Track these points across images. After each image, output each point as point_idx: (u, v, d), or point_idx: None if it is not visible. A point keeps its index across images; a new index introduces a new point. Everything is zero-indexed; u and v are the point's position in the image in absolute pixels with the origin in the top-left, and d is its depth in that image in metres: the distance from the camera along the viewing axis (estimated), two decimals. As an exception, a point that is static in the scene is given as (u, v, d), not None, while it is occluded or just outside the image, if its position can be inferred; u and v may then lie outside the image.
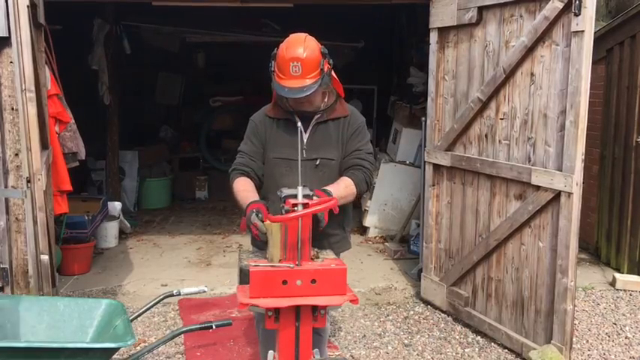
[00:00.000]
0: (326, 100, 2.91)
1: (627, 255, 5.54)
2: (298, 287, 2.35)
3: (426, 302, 4.82)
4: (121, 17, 7.54)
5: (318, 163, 2.89)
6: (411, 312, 4.71)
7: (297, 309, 2.39)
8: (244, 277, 2.50)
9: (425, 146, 4.83)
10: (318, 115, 2.90)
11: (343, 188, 2.79)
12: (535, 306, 3.84)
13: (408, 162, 6.60)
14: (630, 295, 5.04)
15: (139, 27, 8.12)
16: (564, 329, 3.59)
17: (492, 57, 4.07)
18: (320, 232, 2.59)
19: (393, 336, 4.27)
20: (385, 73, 9.25)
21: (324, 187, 2.71)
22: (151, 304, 3.38)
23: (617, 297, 5.00)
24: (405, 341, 4.19)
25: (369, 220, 6.80)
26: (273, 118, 2.96)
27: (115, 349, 2.97)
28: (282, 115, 2.94)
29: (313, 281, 2.35)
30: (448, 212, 4.58)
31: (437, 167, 4.64)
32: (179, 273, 5.68)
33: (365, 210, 6.82)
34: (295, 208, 2.36)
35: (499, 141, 4.05)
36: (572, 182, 3.46)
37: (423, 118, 5.66)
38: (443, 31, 4.51)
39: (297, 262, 2.38)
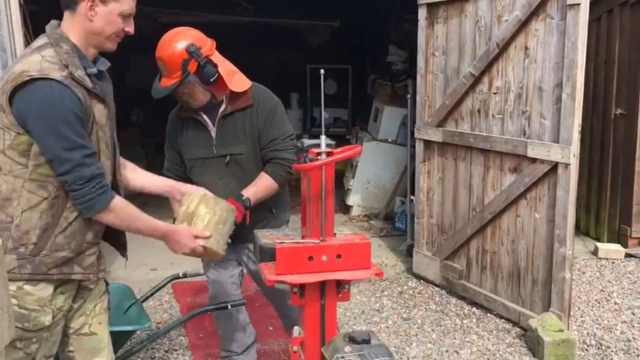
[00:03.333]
0: (209, 99, 2.72)
1: (607, 225, 5.72)
2: (324, 263, 2.34)
3: (419, 277, 4.89)
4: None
5: (227, 159, 2.79)
6: (405, 287, 4.77)
7: (322, 285, 2.38)
8: (265, 255, 2.48)
9: (411, 123, 4.87)
10: (222, 109, 2.77)
11: (263, 189, 2.74)
12: (532, 276, 3.94)
13: (390, 140, 6.63)
14: (612, 263, 5.21)
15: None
16: (563, 297, 3.70)
17: (484, 32, 4.10)
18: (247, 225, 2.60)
19: (391, 311, 4.32)
20: (360, 52, 9.25)
21: (241, 192, 2.69)
22: (158, 287, 3.34)
23: (601, 265, 5.16)
24: (404, 315, 4.25)
25: (352, 199, 6.83)
26: (182, 118, 2.84)
27: (132, 332, 2.94)
28: (189, 113, 2.80)
29: (338, 256, 2.35)
30: (440, 188, 4.63)
31: (427, 143, 4.68)
32: (168, 257, 5.47)
33: (348, 189, 6.85)
34: (319, 157, 2.30)
35: (492, 115, 4.10)
36: (570, 153, 3.54)
37: (409, 96, 5.71)
38: (432, 6, 4.52)
39: (321, 238, 2.37)
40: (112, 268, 5.28)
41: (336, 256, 2.35)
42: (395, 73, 6.85)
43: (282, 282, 2.31)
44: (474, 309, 4.33)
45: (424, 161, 4.72)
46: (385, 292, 4.65)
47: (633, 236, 5.45)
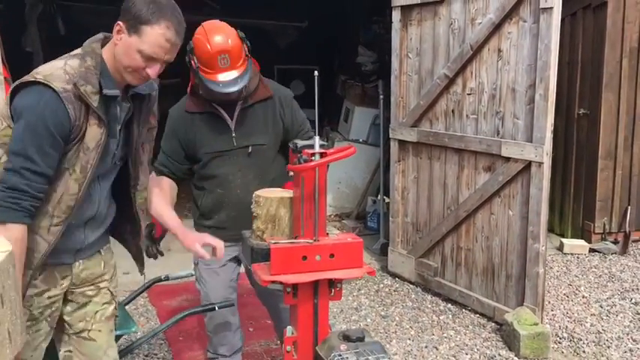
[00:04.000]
0: (247, 84, 2.71)
1: (571, 221, 5.91)
2: (317, 262, 2.36)
3: (394, 275, 4.96)
4: (54, -4, 7.15)
5: (250, 150, 2.80)
6: (381, 285, 4.83)
7: (315, 284, 2.41)
8: (256, 256, 2.49)
9: (383, 123, 4.93)
10: (241, 102, 2.76)
11: None
12: (506, 271, 4.05)
13: (361, 140, 6.70)
14: (578, 258, 5.40)
15: (72, 7, 7.73)
16: (537, 291, 3.81)
17: (458, 34, 4.19)
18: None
19: (369, 309, 4.38)
20: (327, 54, 9.28)
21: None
22: (140, 291, 3.31)
23: (567, 260, 5.34)
24: (382, 313, 4.31)
25: (324, 199, 6.85)
26: (193, 113, 2.79)
27: (119, 337, 2.90)
28: (202, 107, 2.77)
29: (331, 256, 2.38)
30: (415, 187, 4.71)
31: (402, 143, 4.75)
32: (139, 260, 5.52)
33: (319, 189, 6.87)
34: (313, 158, 2.32)
35: (466, 115, 4.20)
36: (543, 152, 3.66)
37: (381, 96, 5.78)
38: (405, 9, 4.59)
39: (314, 238, 2.40)
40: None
41: (329, 256, 2.38)
42: (365, 73, 6.92)
43: (277, 282, 2.32)
44: (450, 305, 4.42)
45: (399, 161, 4.80)
46: (362, 291, 4.70)
47: (596, 232, 5.66)
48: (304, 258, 2.35)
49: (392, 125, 4.81)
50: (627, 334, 3.90)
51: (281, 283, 2.32)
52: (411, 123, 4.61)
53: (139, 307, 4.49)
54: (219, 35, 2.58)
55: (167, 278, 3.36)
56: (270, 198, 2.42)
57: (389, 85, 4.86)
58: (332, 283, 2.45)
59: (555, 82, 3.63)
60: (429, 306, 4.44)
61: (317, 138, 2.35)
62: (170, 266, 5.27)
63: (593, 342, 3.83)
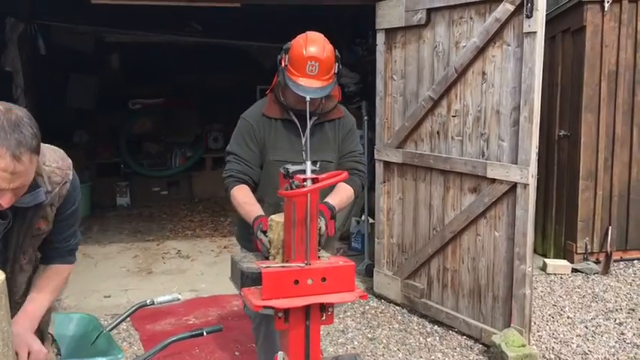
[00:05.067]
0: (323, 101, 2.88)
1: (553, 242, 5.97)
2: (309, 286, 2.34)
3: (380, 297, 4.93)
4: (35, 16, 7.08)
5: (317, 165, 2.85)
6: (367, 307, 4.80)
7: (306, 308, 2.38)
8: (246, 279, 2.46)
9: (367, 144, 4.94)
10: (316, 117, 2.88)
11: (346, 199, 2.82)
12: (492, 293, 4.05)
13: (344, 161, 6.69)
14: (561, 278, 5.43)
15: (51, 26, 7.66)
16: (524, 313, 3.82)
17: (442, 57, 4.24)
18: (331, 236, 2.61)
19: (356, 331, 4.34)
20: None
21: (326, 200, 2.72)
22: (125, 315, 3.21)
23: (550, 280, 5.37)
24: (369, 335, 4.28)
25: (307, 220, 6.82)
26: (271, 118, 2.88)
27: (104, 365, 2.82)
28: (281, 114, 2.87)
29: (323, 279, 2.36)
30: (400, 208, 4.72)
31: (387, 164, 4.76)
32: (120, 283, 5.44)
33: (302, 210, 6.84)
34: (305, 183, 2.32)
35: (452, 137, 4.23)
36: (528, 174, 3.70)
37: (365, 117, 5.80)
38: (390, 32, 4.63)
39: (306, 261, 2.37)
40: (61, 296, 5.09)
41: (321, 279, 2.36)
42: (348, 95, 6.95)
43: (269, 307, 2.29)
44: (436, 327, 4.40)
45: (384, 182, 4.80)
46: (348, 313, 4.67)
47: (578, 252, 5.70)
48: (296, 282, 2.32)
49: (377, 146, 4.82)
50: (613, 355, 3.92)
51: (272, 307, 2.29)
52: (396, 144, 4.63)
53: (122, 331, 4.40)
54: (316, 45, 2.70)
55: (152, 303, 3.28)
56: (281, 222, 2.39)
57: (373, 106, 4.89)
58: (323, 307, 2.42)
59: (539, 105, 3.68)
60: (416, 328, 4.42)
61: (308, 163, 2.34)
62: (155, 289, 5.21)
63: (580, 363, 3.84)
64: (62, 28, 7.99)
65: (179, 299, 3.37)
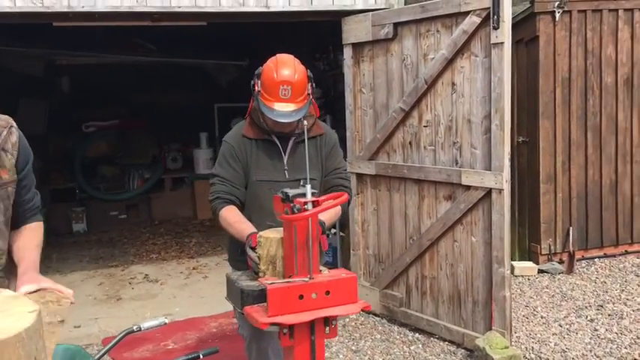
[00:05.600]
0: (302, 121, 2.86)
1: (518, 244, 6.13)
2: (313, 300, 2.34)
3: (358, 308, 4.94)
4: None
5: (302, 184, 2.87)
6: (347, 319, 4.81)
7: (311, 323, 2.38)
8: (247, 297, 2.45)
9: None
10: (295, 136, 2.89)
11: (334, 214, 2.82)
12: (472, 297, 4.14)
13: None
14: (528, 279, 5.59)
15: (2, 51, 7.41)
16: (505, 315, 3.92)
17: (411, 69, 4.33)
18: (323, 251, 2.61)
19: (339, 344, 4.34)
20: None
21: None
22: (114, 343, 3.09)
23: (519, 282, 5.52)
24: (353, 348, 4.29)
25: (275, 236, 6.80)
26: (251, 139, 2.89)
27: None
28: (261, 135, 2.89)
29: (327, 293, 2.36)
30: (375, 219, 4.77)
31: (360, 176, 4.81)
32: (90, 312, 5.26)
33: (270, 226, 6.82)
34: (305, 207, 2.33)
35: (424, 147, 4.32)
36: (502, 180, 3.81)
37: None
38: (357, 46, 4.71)
39: (309, 276, 2.38)
40: (30, 328, 4.88)
41: (325, 293, 2.36)
42: (311, 109, 6.98)
43: (276, 324, 2.28)
44: (417, 335, 4.45)
45: (357, 194, 4.84)
46: (328, 327, 4.66)
47: (543, 253, 5.89)
48: (301, 297, 2.32)
49: (349, 159, 4.86)
50: (590, 351, 4.06)
51: (279, 324, 2.28)
52: (368, 156, 4.69)
53: (98, 361, 4.24)
54: (287, 68, 2.72)
55: (139, 329, 3.18)
56: (270, 238, 2.41)
57: (336, 120, 4.95)
58: (327, 320, 2.42)
59: (510, 113, 3.81)
60: (398, 337, 4.45)
61: (308, 187, 2.37)
62: (127, 316, 5.07)
63: (560, 360, 3.96)
64: (11, 52, 7.75)
65: (166, 323, 3.27)
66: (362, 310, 4.78)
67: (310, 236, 2.35)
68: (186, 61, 8.34)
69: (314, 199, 2.36)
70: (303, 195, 2.35)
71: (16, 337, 1.13)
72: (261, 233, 2.49)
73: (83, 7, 4.05)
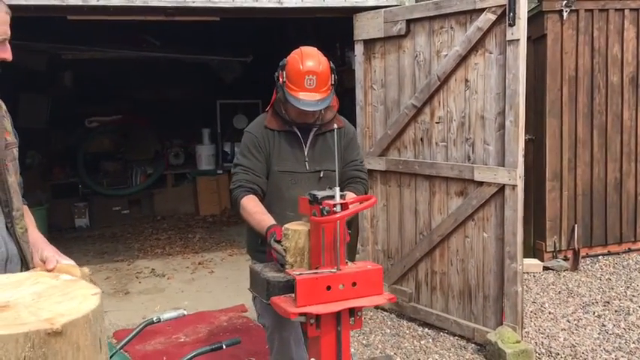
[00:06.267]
0: (323, 113, 2.96)
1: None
2: (340, 291, 2.36)
3: (367, 303, 4.97)
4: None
5: (322, 175, 2.94)
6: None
7: (337, 314, 2.40)
8: (273, 288, 2.47)
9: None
10: (317, 128, 2.96)
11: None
12: (483, 292, 4.17)
13: (316, 171, 6.73)
14: (534, 276, 5.63)
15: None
16: (516, 310, 3.95)
17: (424, 66, 4.36)
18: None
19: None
20: (269, 87, 9.34)
21: None
22: (135, 333, 3.11)
23: (525, 279, 5.53)
24: (364, 342, 4.31)
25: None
26: (273, 130, 2.95)
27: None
28: (282, 127, 2.95)
29: (354, 284, 2.39)
30: (384, 214, 4.79)
31: (370, 172, 4.80)
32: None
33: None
34: (334, 209, 2.36)
35: (436, 143, 4.35)
36: (517, 175, 3.84)
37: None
38: (368, 42, 4.73)
39: (337, 267, 2.40)
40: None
41: (352, 284, 2.39)
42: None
43: (305, 314, 2.30)
44: (427, 329, 4.49)
45: (368, 190, 4.86)
46: (338, 321, 4.69)
47: (548, 250, 5.94)
48: (328, 288, 2.35)
49: (359, 155, 4.88)
50: (599, 346, 4.10)
51: (309, 314, 2.30)
52: (379, 152, 4.71)
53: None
54: (312, 59, 2.78)
55: (159, 320, 3.20)
56: (299, 230, 2.43)
57: (344, 116, 4.95)
58: (352, 311, 2.45)
59: (524, 109, 3.84)
60: (407, 331, 4.48)
61: (337, 189, 2.39)
62: (136, 309, 5.07)
63: (571, 355, 3.99)
64: (15, 46, 7.71)
65: (185, 314, 3.30)
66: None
67: (338, 238, 2.39)
68: (189, 57, 8.34)
69: (342, 201, 2.39)
70: (332, 197, 2.38)
71: (83, 317, 1.15)
72: (287, 226, 2.52)
73: (98, 0, 4.06)
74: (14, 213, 1.97)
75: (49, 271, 1.82)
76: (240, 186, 2.89)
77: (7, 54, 1.90)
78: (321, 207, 2.37)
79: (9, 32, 1.88)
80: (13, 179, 2.02)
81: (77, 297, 1.23)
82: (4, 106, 2.08)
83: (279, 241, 2.55)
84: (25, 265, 2.01)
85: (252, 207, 2.84)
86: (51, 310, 1.15)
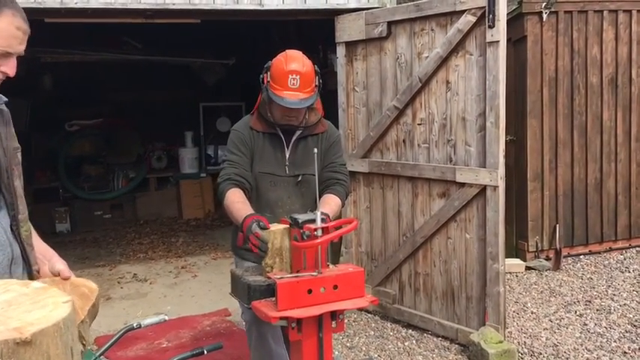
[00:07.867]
0: (307, 116, 2.99)
1: (505, 242, 6.20)
2: (322, 294, 2.36)
3: (350, 306, 4.97)
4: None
5: (300, 179, 2.97)
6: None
7: (319, 317, 2.39)
8: (254, 292, 2.46)
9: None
10: (300, 132, 2.98)
11: (336, 208, 2.91)
12: (466, 293, 4.18)
13: (299, 174, 6.72)
14: (516, 276, 5.67)
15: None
16: (499, 310, 3.97)
17: (405, 68, 4.37)
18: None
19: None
20: (252, 90, 9.30)
21: (322, 211, 2.74)
22: (114, 339, 3.08)
23: (508, 279, 5.56)
24: (348, 344, 4.31)
25: (264, 235, 6.79)
26: (258, 131, 2.98)
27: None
28: (267, 129, 2.98)
29: (335, 287, 2.38)
30: (368, 216, 4.79)
31: (352, 174, 4.81)
32: (79, 311, 5.19)
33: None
34: (315, 233, 2.35)
35: (418, 145, 4.36)
36: (497, 176, 3.86)
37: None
38: (350, 44, 4.73)
39: (318, 270, 2.39)
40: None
41: (333, 287, 2.38)
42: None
43: (286, 318, 2.28)
44: (411, 331, 4.49)
45: (350, 192, 4.86)
46: (322, 324, 4.67)
47: (530, 250, 5.97)
48: (309, 291, 2.34)
49: (341, 157, 4.88)
50: (581, 345, 4.13)
51: (288, 318, 2.29)
52: (361, 154, 4.71)
53: (91, 360, 4.20)
54: (296, 60, 2.84)
55: (140, 326, 3.16)
56: (274, 231, 2.41)
57: (326, 118, 4.95)
58: (334, 314, 2.44)
59: (505, 110, 3.86)
60: (391, 333, 4.48)
61: (319, 213, 2.39)
62: (118, 315, 5.02)
63: (553, 355, 4.02)
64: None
65: (166, 320, 3.27)
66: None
67: (320, 261, 2.38)
68: (172, 59, 8.28)
69: (323, 225, 2.38)
70: (313, 221, 2.37)
71: (54, 326, 1.13)
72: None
73: (76, 3, 4.02)
74: (20, 216, 1.97)
75: (65, 279, 1.85)
76: (228, 179, 2.90)
77: (8, 68, 1.81)
78: (301, 231, 2.36)
79: (17, 48, 1.79)
80: (18, 183, 2.03)
81: (48, 305, 1.20)
82: (5, 99, 2.04)
83: (264, 228, 2.52)
84: (28, 267, 2.00)
85: (235, 197, 2.83)
86: (20, 318, 1.13)
